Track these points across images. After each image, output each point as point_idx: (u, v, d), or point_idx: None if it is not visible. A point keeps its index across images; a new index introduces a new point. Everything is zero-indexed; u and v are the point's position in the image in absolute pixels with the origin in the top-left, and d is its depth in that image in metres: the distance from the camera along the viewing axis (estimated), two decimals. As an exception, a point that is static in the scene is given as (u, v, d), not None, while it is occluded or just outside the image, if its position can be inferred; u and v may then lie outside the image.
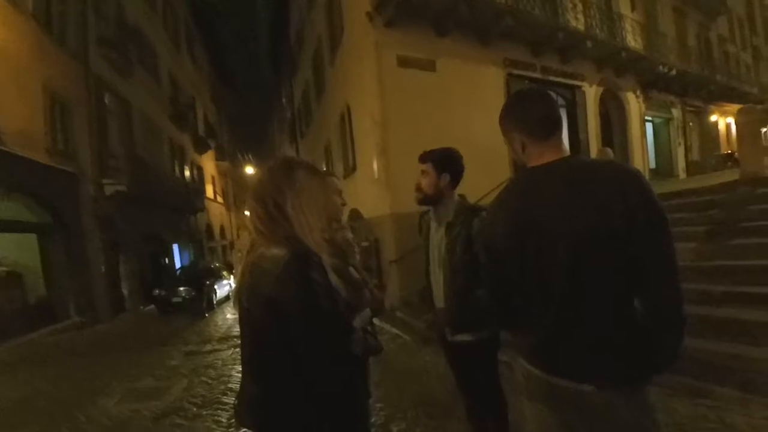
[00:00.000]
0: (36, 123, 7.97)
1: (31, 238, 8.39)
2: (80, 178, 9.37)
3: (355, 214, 9.51)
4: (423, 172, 1.92)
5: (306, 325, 0.99)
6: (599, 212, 0.97)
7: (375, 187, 7.84)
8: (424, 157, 1.94)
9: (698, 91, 14.67)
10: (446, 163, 1.91)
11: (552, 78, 9.46)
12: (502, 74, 8.59)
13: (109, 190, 10.43)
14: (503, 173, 7.83)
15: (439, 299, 1.96)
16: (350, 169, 9.64)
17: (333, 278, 1.12)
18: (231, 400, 4.23)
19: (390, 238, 7.37)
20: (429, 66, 7.62)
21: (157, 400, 4.29)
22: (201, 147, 20.61)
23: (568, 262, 1.00)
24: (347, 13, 8.76)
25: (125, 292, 11.35)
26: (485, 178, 7.24)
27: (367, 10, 7.23)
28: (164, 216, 14.29)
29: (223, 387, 4.68)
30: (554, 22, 8.85)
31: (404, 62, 7.36)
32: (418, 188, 1.94)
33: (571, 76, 9.83)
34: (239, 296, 1.08)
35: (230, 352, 6.55)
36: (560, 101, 10.01)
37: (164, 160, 15.34)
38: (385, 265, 7.42)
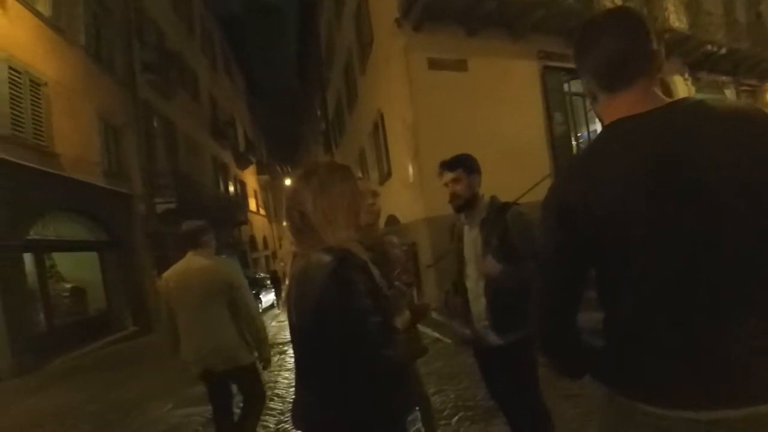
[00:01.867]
0: (92, 148, 8.60)
1: (93, 256, 9.03)
2: (133, 197, 10.01)
3: (392, 220, 9.51)
4: (455, 179, 1.92)
5: (352, 329, 0.98)
6: None
7: (409, 192, 7.80)
8: (453, 165, 1.94)
9: (752, 69, 13.48)
10: (474, 165, 1.94)
11: (590, 67, 8.99)
12: (536, 67, 8.32)
13: (159, 208, 11.10)
14: (541, 170, 7.51)
15: (476, 302, 1.92)
16: (385, 176, 9.66)
17: (377, 276, 1.10)
18: (278, 405, 4.29)
19: (425, 242, 7.29)
20: (460, 66, 7.52)
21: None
22: (242, 162, 21.50)
23: (745, 233, 0.69)
24: (375, 22, 8.86)
25: (177, 302, 11.94)
26: (521, 176, 6.97)
27: (395, 17, 7.28)
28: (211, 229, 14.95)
29: (269, 393, 4.75)
30: (589, 8, 8.45)
31: (435, 64, 7.31)
32: (455, 196, 1.93)
33: (611, 64, 9.28)
34: (288, 305, 1.10)
35: (276, 358, 6.67)
36: None
37: (208, 177, 16.10)
38: (423, 269, 7.33)
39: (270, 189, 29.29)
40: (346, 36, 12.22)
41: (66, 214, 7.77)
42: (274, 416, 4.04)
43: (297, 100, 27.28)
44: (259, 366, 2.63)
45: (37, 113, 6.99)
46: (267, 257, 26.40)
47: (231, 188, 19.02)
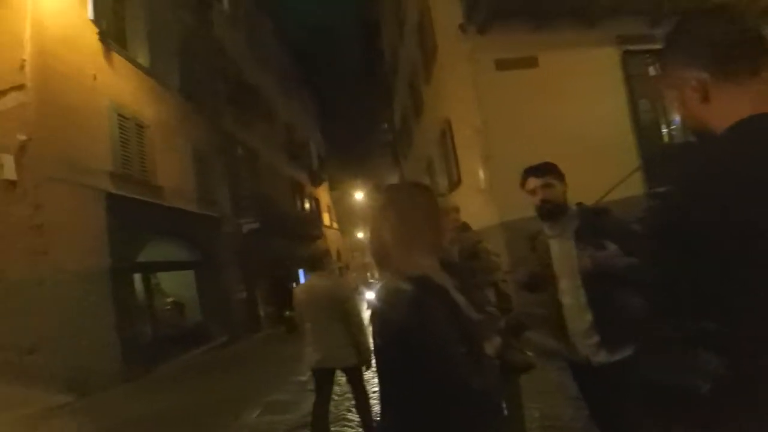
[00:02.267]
0: (186, 179, 9.64)
1: (189, 274, 10.04)
2: (221, 220, 10.99)
3: (464, 227, 9.26)
4: (546, 185, 1.82)
5: (435, 360, 0.95)
6: None
7: (481, 198, 7.56)
8: (542, 171, 1.86)
9: None
10: (560, 171, 1.87)
11: (679, 46, 8.04)
12: (615, 54, 7.61)
13: (245, 228, 12.05)
14: (626, 165, 6.79)
15: (578, 319, 1.75)
16: (455, 183, 9.51)
17: (460, 301, 1.05)
18: (355, 417, 4.33)
19: (500, 248, 6.94)
20: (531, 63, 7.17)
21: (291, 414, 4.62)
22: (316, 180, 22.66)
23: None
24: (439, 30, 8.84)
25: (261, 314, 12.79)
26: (603, 173, 6.34)
27: (459, 23, 7.19)
28: (289, 245, 15.87)
29: (347, 404, 4.81)
30: (676, -18, 7.58)
31: (503, 65, 7.06)
32: (547, 201, 1.82)
33: (703, 39, 8.20)
34: (372, 332, 1.10)
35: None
36: None
37: (286, 196, 17.17)
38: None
39: (342, 203, 30.44)
40: (409, 48, 12.38)
41: (167, 238, 8.72)
42: (353, 428, 4.07)
43: (365, 115, 28.20)
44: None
45: (141, 152, 7.98)
46: (340, 269, 27.33)
47: (306, 205, 20.08)
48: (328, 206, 25.94)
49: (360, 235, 37.47)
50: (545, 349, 2.51)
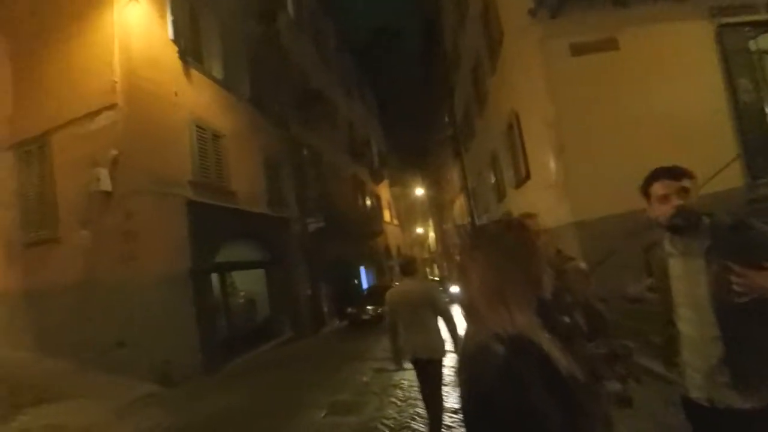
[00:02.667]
0: (258, 183, 10.17)
1: (260, 273, 10.60)
2: (290, 220, 11.49)
3: (536, 225, 8.81)
4: (683, 189, 1.51)
5: (522, 428, 0.83)
6: None
7: (552, 194, 7.07)
8: (678, 173, 1.54)
9: None
10: (694, 175, 1.57)
11: (788, 13, 6.86)
12: (710, 27, 6.68)
13: (311, 227, 12.51)
14: (722, 153, 5.95)
15: (701, 353, 1.49)
16: (522, 179, 9.02)
17: (562, 363, 0.91)
18: (419, 426, 4.27)
19: (574, 249, 6.46)
20: (610, 45, 6.54)
21: (354, 416, 4.68)
22: (377, 178, 22.91)
23: None
24: (505, 16, 8.37)
25: (326, 310, 13.24)
26: (696, 162, 5.80)
27: (528, 8, 6.74)
28: (352, 242, 16.24)
29: (411, 411, 4.77)
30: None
31: (579, 50, 6.50)
32: (683, 209, 1.50)
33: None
34: (459, 384, 0.99)
35: (413, 372, 6.75)
36: None
37: (349, 195, 17.56)
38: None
39: (402, 199, 30.50)
40: (471, 38, 11.92)
41: (240, 239, 9.27)
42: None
43: (424, 110, 27.88)
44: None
45: (217, 160, 8.53)
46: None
47: (368, 202, 20.38)
48: (389, 202, 26.11)
49: (420, 230, 37.36)
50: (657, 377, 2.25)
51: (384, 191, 25.08)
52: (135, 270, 6.37)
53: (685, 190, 1.50)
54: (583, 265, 2.13)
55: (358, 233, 16.99)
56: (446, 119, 21.07)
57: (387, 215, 24.65)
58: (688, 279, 1.53)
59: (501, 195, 11.89)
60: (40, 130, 7.20)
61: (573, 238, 6.39)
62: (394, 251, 25.60)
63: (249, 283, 10.19)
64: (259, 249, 10.18)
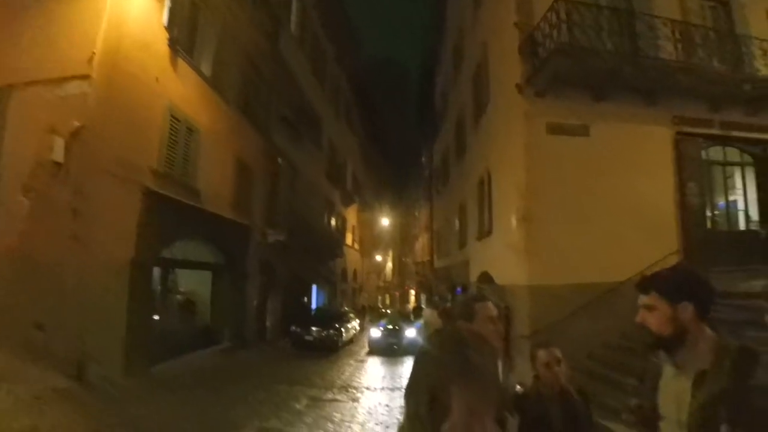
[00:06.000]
0: (226, 186, 9.88)
1: (206, 275, 10.13)
2: (251, 228, 11.15)
3: (485, 278, 9.12)
4: (646, 306, 1.38)
5: None
6: None
7: (511, 254, 7.38)
8: (644, 286, 1.40)
9: None
10: (684, 287, 1.34)
11: (735, 133, 7.84)
12: (669, 134, 7.48)
13: (271, 238, 12.20)
14: (669, 245, 6.84)
15: None
16: (485, 232, 9.40)
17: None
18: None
19: (524, 310, 6.74)
20: (582, 131, 7.13)
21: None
22: (347, 200, 22.90)
23: None
24: (494, 83, 8.94)
25: (269, 324, 12.76)
26: (650, 247, 6.50)
27: (516, 82, 7.23)
28: (309, 260, 15.96)
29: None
30: (738, 72, 7.45)
31: (554, 129, 7.04)
32: (644, 327, 1.39)
33: (762, 129, 7.93)
34: None
35: (348, 405, 6.62)
36: (747, 159, 8.30)
37: (316, 212, 17.40)
38: (516, 338, 6.75)
39: (368, 225, 30.55)
40: (462, 93, 12.56)
41: (194, 239, 8.88)
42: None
43: (406, 148, 28.61)
44: None
45: (187, 155, 8.23)
46: (354, 289, 27.18)
47: (333, 222, 20.25)
48: (354, 226, 26.06)
49: (379, 258, 37.42)
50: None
51: (351, 215, 25.05)
52: (74, 251, 5.88)
53: (649, 307, 1.36)
54: (556, 351, 2.05)
55: (318, 251, 16.75)
56: (424, 161, 21.70)
57: (349, 238, 24.52)
58: (673, 396, 1.36)
59: (462, 242, 12.25)
60: (2, 82, 6.70)
61: (526, 299, 6.66)
62: (350, 274, 25.37)
63: (193, 284, 9.73)
64: (211, 251, 9.78)
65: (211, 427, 4.91)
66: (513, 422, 1.86)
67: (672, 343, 1.32)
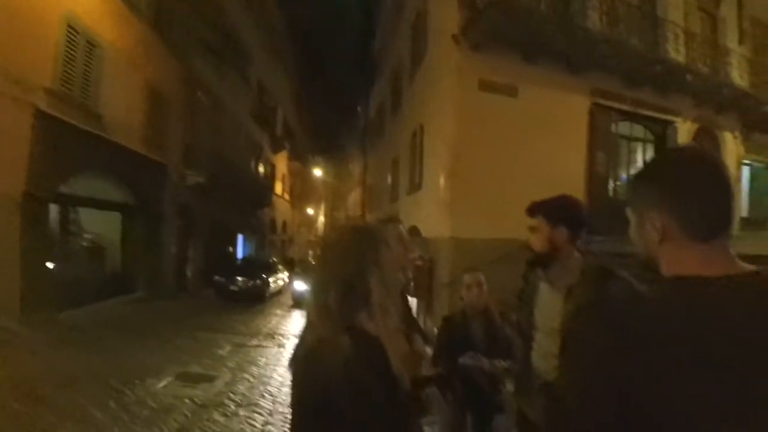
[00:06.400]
0: (136, 115, 8.77)
1: (115, 217, 9.21)
2: (167, 167, 10.20)
3: (414, 231, 9.46)
4: (531, 228, 1.64)
5: (359, 426, 0.89)
6: None
7: (438, 208, 7.70)
8: (533, 210, 1.65)
9: (807, 137, 12.65)
10: (560, 214, 1.60)
11: (643, 111, 8.71)
12: (586, 104, 8.07)
13: (190, 180, 11.31)
14: None
15: (547, 372, 1.58)
16: (415, 186, 9.63)
17: (396, 368, 0.98)
18: (267, 404, 4.26)
19: (446, 261, 7.18)
20: (511, 91, 7.38)
21: (201, 391, 4.43)
22: (277, 147, 21.83)
23: None
24: (432, 34, 8.79)
25: (189, 274, 12.17)
26: None
27: (453, 33, 7.17)
28: (234, 207, 15.21)
29: (262, 388, 4.74)
30: (653, 52, 8.18)
31: (486, 86, 7.19)
32: (528, 247, 1.67)
33: (665, 110, 8.94)
34: (293, 376, 1.00)
35: (274, 350, 6.70)
36: (649, 136, 9.31)
37: (242, 156, 16.38)
38: (437, 287, 7.23)
39: (299, 175, 29.69)
40: (400, 43, 12.25)
41: (99, 174, 7.94)
42: (262, 415, 4.01)
43: (342, 98, 27.61)
44: None
45: (88, 75, 7.14)
46: (284, 241, 26.75)
47: (261, 169, 19.31)
48: (284, 175, 25.12)
49: (310, 211, 36.88)
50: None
51: (281, 163, 24.04)
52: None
53: (533, 228, 1.62)
54: (480, 276, 2.24)
55: (244, 199, 15.98)
56: (360, 111, 21.22)
57: (279, 188, 23.67)
58: (546, 309, 1.61)
59: (394, 197, 12.49)
60: None
61: (449, 250, 7.07)
62: (279, 226, 24.77)
63: (100, 226, 8.79)
64: (120, 190, 8.85)
65: (127, 374, 4.65)
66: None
67: (547, 260, 1.58)
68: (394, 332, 1.07)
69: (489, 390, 1.91)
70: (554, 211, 1.60)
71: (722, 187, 0.74)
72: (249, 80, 16.36)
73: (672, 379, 0.63)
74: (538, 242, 1.61)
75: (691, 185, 0.74)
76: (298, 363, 0.99)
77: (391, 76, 13.55)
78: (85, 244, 8.51)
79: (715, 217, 0.73)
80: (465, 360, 1.93)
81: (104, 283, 8.60)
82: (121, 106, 8.13)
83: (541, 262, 1.63)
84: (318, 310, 1.00)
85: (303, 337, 1.03)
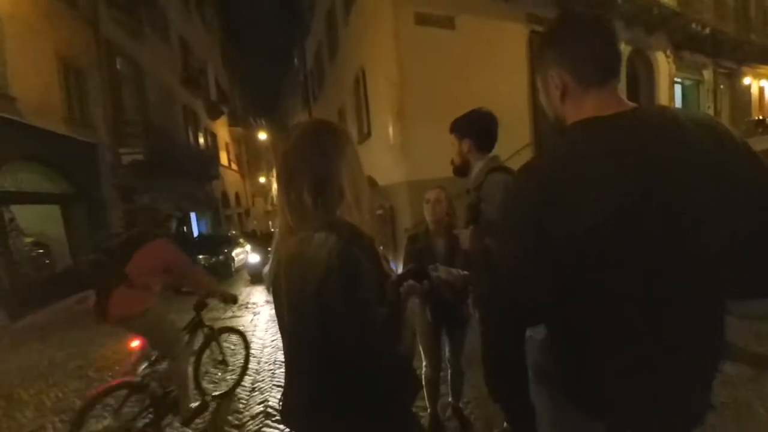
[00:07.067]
0: (52, 92, 7.90)
1: (55, 210, 8.54)
2: (98, 147, 9.38)
3: (370, 182, 9.43)
4: (451, 143, 1.84)
5: (358, 322, 0.85)
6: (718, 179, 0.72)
7: (390, 154, 7.68)
8: (451, 129, 1.85)
9: (733, 51, 13.64)
10: (465, 127, 1.80)
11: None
12: (524, 32, 8.09)
13: (126, 159, 10.51)
14: (523, 138, 7.61)
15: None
16: (365, 135, 9.45)
17: (385, 264, 0.99)
18: (253, 365, 4.35)
19: (406, 206, 7.27)
20: (447, 23, 7.21)
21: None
22: (214, 113, 20.44)
23: (699, 252, 0.73)
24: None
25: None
26: (504, 143, 7.22)
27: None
28: (181, 184, 14.41)
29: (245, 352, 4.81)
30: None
31: (422, 19, 6.98)
32: (451, 162, 1.88)
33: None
34: (276, 293, 0.94)
35: (250, 317, 6.77)
36: None
37: (178, 127, 15.27)
38: (400, 234, 7.40)
39: (243, 142, 28.20)
40: (329, -18, 11.44)
41: (26, 164, 7.23)
42: (250, 375, 4.11)
43: (276, 50, 25.81)
44: None
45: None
46: (240, 215, 25.91)
47: (201, 140, 18.18)
48: (227, 144, 23.78)
49: (262, 179, 35.34)
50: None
51: (222, 130, 22.66)
52: None
53: (453, 144, 1.84)
54: (442, 193, 2.38)
55: (189, 173, 15.12)
56: (297, 63, 20.06)
57: (224, 158, 22.48)
58: (469, 207, 1.78)
59: (345, 149, 12.22)
60: None
61: (406, 195, 7.16)
62: (232, 199, 23.81)
63: (40, 222, 8.15)
64: (51, 179, 8.12)
65: (104, 364, 4.56)
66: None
67: (462, 170, 1.82)
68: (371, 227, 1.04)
69: (454, 301, 2.04)
70: (459, 125, 1.81)
71: (606, 35, 0.84)
72: (170, 40, 14.90)
73: (574, 198, 0.75)
74: (455, 156, 1.84)
75: (578, 38, 0.85)
76: (282, 270, 0.92)
77: (325, 20, 12.76)
78: (26, 247, 7.87)
79: (603, 62, 0.84)
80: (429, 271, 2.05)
81: (56, 283, 8.08)
82: (35, 85, 7.30)
83: (459, 172, 1.84)
84: (291, 210, 0.94)
85: (278, 246, 0.96)
